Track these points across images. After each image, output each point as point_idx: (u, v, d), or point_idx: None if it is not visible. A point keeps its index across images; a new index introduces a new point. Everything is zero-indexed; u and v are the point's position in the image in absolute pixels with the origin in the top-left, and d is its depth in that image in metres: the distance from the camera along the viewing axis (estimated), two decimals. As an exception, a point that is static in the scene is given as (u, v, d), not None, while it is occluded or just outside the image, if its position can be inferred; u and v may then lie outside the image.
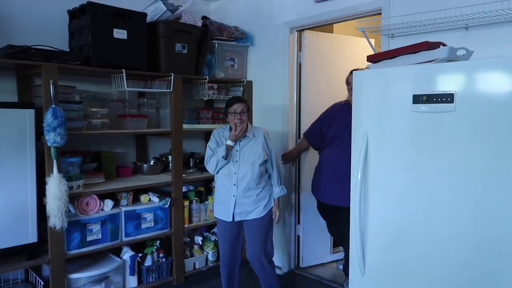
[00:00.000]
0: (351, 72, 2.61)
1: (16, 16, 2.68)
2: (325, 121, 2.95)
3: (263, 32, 3.42)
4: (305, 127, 3.26)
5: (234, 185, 2.51)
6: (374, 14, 2.68)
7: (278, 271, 3.10)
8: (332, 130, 2.86)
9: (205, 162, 2.62)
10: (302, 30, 3.18)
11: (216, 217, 2.67)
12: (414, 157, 1.71)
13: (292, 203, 3.36)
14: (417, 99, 1.69)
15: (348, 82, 2.77)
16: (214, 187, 2.87)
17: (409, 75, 1.73)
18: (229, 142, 2.48)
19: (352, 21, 2.90)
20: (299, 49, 3.23)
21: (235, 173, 2.51)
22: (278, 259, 3.34)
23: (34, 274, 2.57)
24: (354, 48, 3.40)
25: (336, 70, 3.30)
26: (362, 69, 2.45)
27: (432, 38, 2.00)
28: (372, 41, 2.63)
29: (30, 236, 2.38)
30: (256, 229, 2.56)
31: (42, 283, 2.51)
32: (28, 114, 2.34)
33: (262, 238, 2.56)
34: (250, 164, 2.50)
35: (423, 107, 1.67)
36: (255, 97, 3.54)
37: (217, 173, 2.59)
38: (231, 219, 2.53)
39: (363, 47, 3.11)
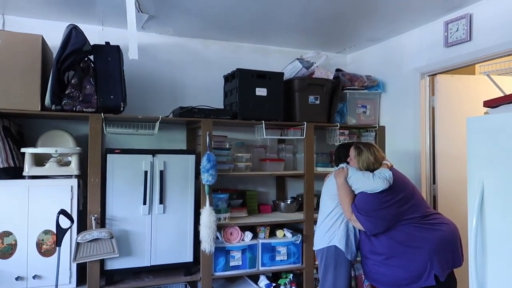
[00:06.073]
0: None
1: (187, 83, 3.52)
2: None
3: (394, 78, 3.53)
4: (441, 171, 3.17)
5: None
6: (509, 55, 2.55)
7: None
8: None
9: (374, 187, 2.46)
10: (434, 74, 3.18)
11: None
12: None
13: None
14: (533, 145, 1.62)
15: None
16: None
17: (524, 120, 1.67)
18: None
19: (495, 60, 2.80)
20: (432, 93, 3.22)
21: None
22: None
23: (190, 289, 3.16)
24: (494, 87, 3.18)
25: (475, 111, 3.13)
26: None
27: None
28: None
29: (188, 256, 2.98)
30: None
31: (195, 296, 3.06)
32: (191, 159, 3.00)
33: None
34: None
35: (541, 153, 1.59)
36: (388, 142, 3.60)
37: None
38: None
39: (507, 86, 2.94)
